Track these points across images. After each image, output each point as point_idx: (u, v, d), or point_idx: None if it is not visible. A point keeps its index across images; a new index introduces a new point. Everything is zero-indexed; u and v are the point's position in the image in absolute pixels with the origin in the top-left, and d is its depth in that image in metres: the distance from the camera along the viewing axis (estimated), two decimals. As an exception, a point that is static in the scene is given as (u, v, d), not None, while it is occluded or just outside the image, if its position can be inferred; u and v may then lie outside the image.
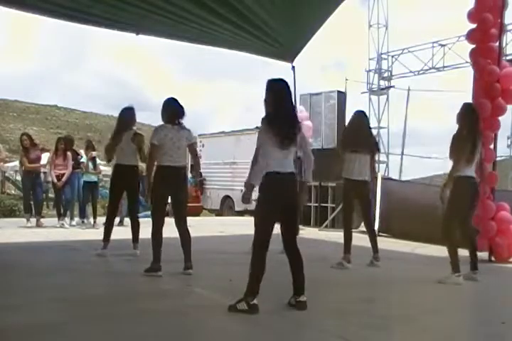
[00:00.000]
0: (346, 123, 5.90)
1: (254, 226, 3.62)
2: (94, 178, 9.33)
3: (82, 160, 9.30)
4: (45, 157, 9.73)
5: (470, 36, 6.63)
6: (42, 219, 9.32)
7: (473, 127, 4.90)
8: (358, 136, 5.74)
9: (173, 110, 4.94)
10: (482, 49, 6.48)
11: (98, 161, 9.41)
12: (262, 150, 3.62)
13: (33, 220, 8.99)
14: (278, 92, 3.67)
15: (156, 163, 4.94)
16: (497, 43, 6.47)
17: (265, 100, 3.69)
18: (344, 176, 5.75)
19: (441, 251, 6.78)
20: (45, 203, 14.76)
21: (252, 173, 3.66)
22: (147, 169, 5.03)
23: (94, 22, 6.52)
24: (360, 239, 6.22)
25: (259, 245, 3.54)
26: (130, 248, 5.86)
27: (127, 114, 5.96)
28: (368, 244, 5.80)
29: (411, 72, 16.22)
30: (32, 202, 9.20)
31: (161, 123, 4.96)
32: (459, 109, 5.04)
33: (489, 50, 6.44)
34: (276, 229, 3.63)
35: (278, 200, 3.60)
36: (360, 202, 5.86)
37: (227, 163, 15.64)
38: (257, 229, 3.60)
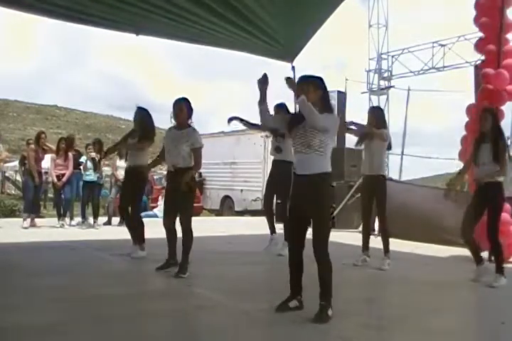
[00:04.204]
0: (383, 121, 5.81)
1: (327, 234, 3.44)
2: (93, 178, 9.32)
3: (81, 160, 9.30)
4: (47, 158, 9.74)
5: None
6: (40, 219, 9.30)
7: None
8: None
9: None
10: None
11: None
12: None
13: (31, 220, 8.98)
14: None
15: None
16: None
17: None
18: (384, 173, 5.79)
19: (441, 251, 6.80)
20: (44, 203, 14.86)
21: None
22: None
23: (93, 22, 6.50)
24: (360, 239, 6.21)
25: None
26: (130, 248, 5.85)
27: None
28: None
29: (411, 72, 16.20)
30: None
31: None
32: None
33: (489, 51, 6.47)
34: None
35: None
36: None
37: (227, 163, 15.64)
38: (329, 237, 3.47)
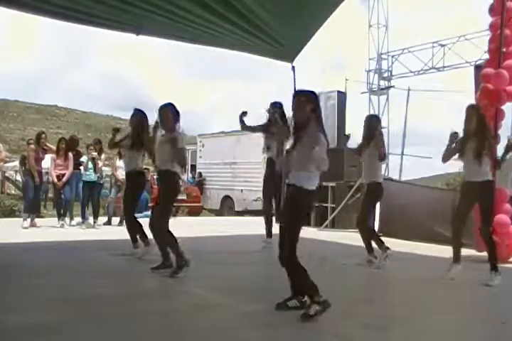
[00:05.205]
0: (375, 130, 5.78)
1: (295, 232, 3.49)
2: (93, 178, 9.32)
3: (82, 160, 9.30)
4: (47, 158, 9.75)
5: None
6: (40, 219, 9.29)
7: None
8: None
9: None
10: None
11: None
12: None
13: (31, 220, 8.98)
14: None
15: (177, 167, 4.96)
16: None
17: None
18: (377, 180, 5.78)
19: (441, 251, 6.79)
20: (44, 203, 14.86)
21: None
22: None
23: (93, 22, 6.50)
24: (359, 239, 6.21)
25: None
26: (130, 248, 5.85)
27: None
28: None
29: (411, 72, 16.18)
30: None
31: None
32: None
33: (493, 51, 6.49)
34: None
35: None
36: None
37: (227, 163, 15.65)
38: (298, 234, 3.52)
